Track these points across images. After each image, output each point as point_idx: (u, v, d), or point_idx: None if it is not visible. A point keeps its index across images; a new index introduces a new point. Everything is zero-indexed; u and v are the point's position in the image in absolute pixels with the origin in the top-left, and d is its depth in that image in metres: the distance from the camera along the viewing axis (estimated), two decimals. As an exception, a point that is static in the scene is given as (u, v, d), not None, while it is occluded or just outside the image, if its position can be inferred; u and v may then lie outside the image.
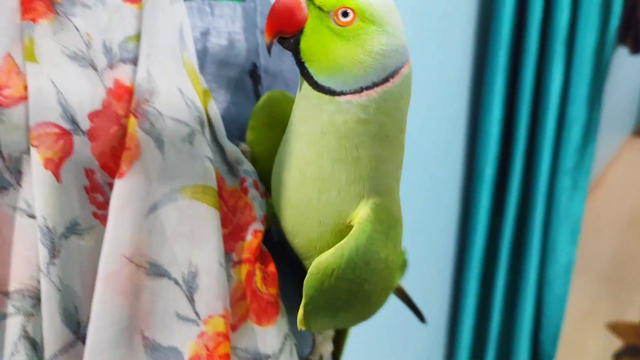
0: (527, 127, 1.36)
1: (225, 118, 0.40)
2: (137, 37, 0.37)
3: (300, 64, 0.32)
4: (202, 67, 0.40)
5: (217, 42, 0.40)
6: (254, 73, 0.42)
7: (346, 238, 0.33)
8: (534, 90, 1.34)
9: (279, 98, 0.39)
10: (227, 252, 0.35)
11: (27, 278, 0.29)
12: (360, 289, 0.35)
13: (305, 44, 0.31)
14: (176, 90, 0.35)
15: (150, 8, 0.37)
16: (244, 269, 0.35)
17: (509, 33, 1.28)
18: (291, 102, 0.39)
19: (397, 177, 0.36)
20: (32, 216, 0.30)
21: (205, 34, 0.40)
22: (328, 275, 0.33)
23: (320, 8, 0.31)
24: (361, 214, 0.34)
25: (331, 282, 0.33)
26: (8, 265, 0.29)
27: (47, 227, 0.29)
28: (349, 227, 0.35)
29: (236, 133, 0.41)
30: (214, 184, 0.34)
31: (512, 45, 1.30)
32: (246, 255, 0.35)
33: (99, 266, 0.30)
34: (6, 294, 0.29)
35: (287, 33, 0.32)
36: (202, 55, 0.40)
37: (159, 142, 0.34)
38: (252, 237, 0.36)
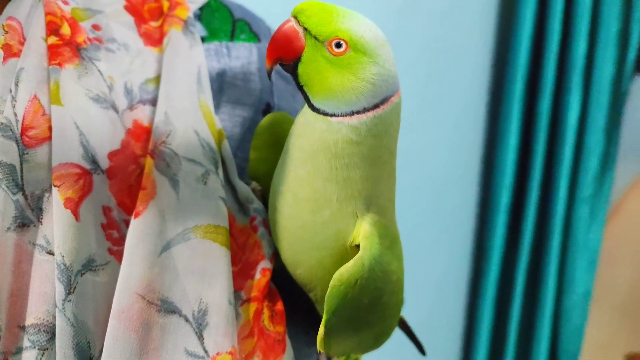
0: (544, 156, 1.36)
1: (238, 156, 0.41)
2: (157, 79, 0.39)
3: (300, 87, 0.34)
4: (217, 106, 0.41)
5: (232, 82, 0.42)
6: (267, 112, 0.43)
7: (361, 250, 0.34)
8: (551, 119, 1.34)
9: (281, 119, 0.40)
10: (236, 290, 0.36)
11: (43, 313, 0.31)
12: (379, 302, 0.36)
13: (302, 70, 0.34)
14: (192, 131, 0.37)
15: (171, 52, 0.39)
16: (252, 307, 0.36)
17: (526, 63, 1.29)
18: (292, 123, 0.40)
19: (391, 199, 0.37)
20: (50, 253, 0.31)
21: (221, 74, 0.42)
22: (351, 285, 0.33)
23: (315, 38, 0.33)
24: (364, 229, 0.34)
25: (354, 293, 0.34)
26: (26, 299, 0.31)
27: (64, 265, 0.30)
28: (351, 249, 0.35)
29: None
30: (225, 223, 0.35)
31: (529, 75, 1.31)
32: (255, 293, 0.36)
33: (113, 302, 0.32)
34: (23, 328, 0.30)
35: (285, 60, 0.34)
36: (218, 95, 0.41)
37: (174, 182, 0.35)
38: (260, 276, 0.37)
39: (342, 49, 0.32)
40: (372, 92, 0.33)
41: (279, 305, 0.37)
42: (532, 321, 1.47)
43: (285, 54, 0.34)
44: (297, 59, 0.34)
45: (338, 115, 0.33)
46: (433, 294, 1.35)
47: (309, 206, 0.35)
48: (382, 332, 0.40)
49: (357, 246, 0.35)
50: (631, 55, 1.30)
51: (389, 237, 0.36)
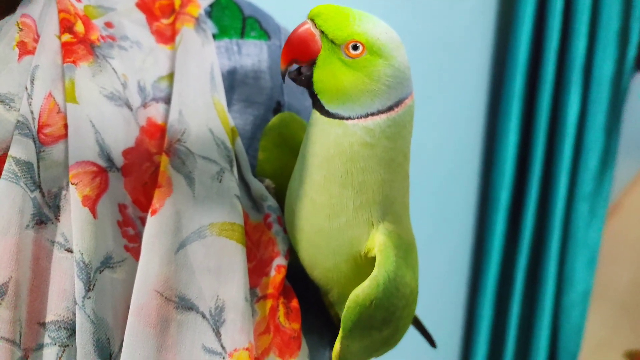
0: (544, 153, 1.36)
1: (249, 154, 0.41)
2: (170, 76, 0.39)
3: (313, 95, 0.34)
4: (229, 104, 0.41)
5: (243, 80, 0.42)
6: (278, 111, 0.43)
7: (375, 268, 0.34)
8: (551, 116, 1.34)
9: (288, 120, 0.41)
10: (252, 287, 0.36)
11: (63, 310, 0.31)
12: (393, 317, 0.36)
13: (317, 75, 0.34)
14: (206, 129, 0.37)
15: (183, 49, 0.39)
16: (268, 304, 0.36)
17: (526, 60, 1.29)
18: (299, 123, 0.41)
19: (405, 205, 0.37)
20: (69, 250, 0.31)
21: (232, 72, 0.42)
22: (367, 306, 0.34)
23: (332, 41, 0.33)
24: (379, 241, 0.35)
25: (370, 313, 0.34)
26: (46, 296, 0.31)
27: (83, 262, 0.30)
28: (365, 258, 0.35)
29: None
30: (241, 221, 0.36)
31: (529, 72, 1.31)
32: (270, 290, 0.36)
33: (131, 299, 0.32)
34: (43, 324, 0.30)
35: (300, 62, 0.34)
36: (229, 93, 0.41)
37: (190, 180, 0.35)
38: (275, 273, 0.37)
39: (358, 51, 0.32)
40: (386, 94, 0.33)
41: (294, 302, 0.37)
42: (531, 319, 1.48)
43: (301, 56, 0.34)
44: (312, 63, 0.34)
45: (353, 118, 0.33)
46: (433, 291, 1.35)
47: (325, 211, 0.35)
48: (394, 340, 0.41)
49: (373, 258, 0.35)
50: (631, 53, 1.30)
51: (403, 247, 0.36)
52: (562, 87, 1.32)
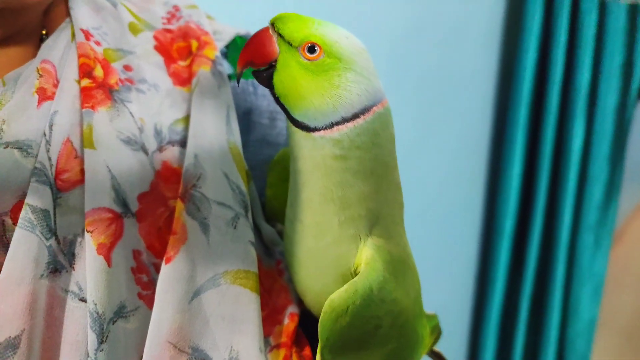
0: (548, 184, 1.36)
1: (264, 196, 0.41)
2: (186, 119, 0.39)
3: (277, 99, 0.33)
4: (244, 144, 0.41)
5: (258, 121, 0.42)
6: None
7: (358, 276, 0.33)
8: (555, 147, 1.35)
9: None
10: (265, 335, 0.36)
11: None
12: (378, 330, 0.34)
13: (277, 78, 0.33)
14: (222, 174, 0.37)
15: (199, 92, 0.39)
16: (282, 353, 0.36)
17: (530, 91, 1.30)
18: None
19: (395, 220, 0.35)
20: (83, 299, 0.31)
21: (247, 113, 0.42)
22: (342, 312, 0.32)
23: (289, 43, 0.32)
24: (366, 255, 0.33)
25: (347, 320, 0.32)
26: (58, 348, 0.30)
27: (97, 313, 0.30)
28: (354, 275, 0.34)
29: None
30: (255, 268, 0.35)
31: (533, 103, 1.32)
32: (283, 339, 0.36)
33: (144, 351, 0.31)
34: None
35: (256, 64, 0.33)
36: (245, 133, 0.41)
37: (205, 227, 0.35)
38: (288, 321, 0.36)
39: (315, 54, 0.32)
40: (349, 101, 0.32)
41: (307, 351, 0.37)
42: (536, 349, 1.46)
43: (256, 57, 0.33)
44: (272, 68, 0.33)
45: (319, 129, 0.32)
46: (437, 321, 1.34)
47: (312, 231, 0.34)
48: None
49: None
50: (635, 84, 1.31)
51: (393, 263, 0.34)
52: (567, 118, 1.32)
